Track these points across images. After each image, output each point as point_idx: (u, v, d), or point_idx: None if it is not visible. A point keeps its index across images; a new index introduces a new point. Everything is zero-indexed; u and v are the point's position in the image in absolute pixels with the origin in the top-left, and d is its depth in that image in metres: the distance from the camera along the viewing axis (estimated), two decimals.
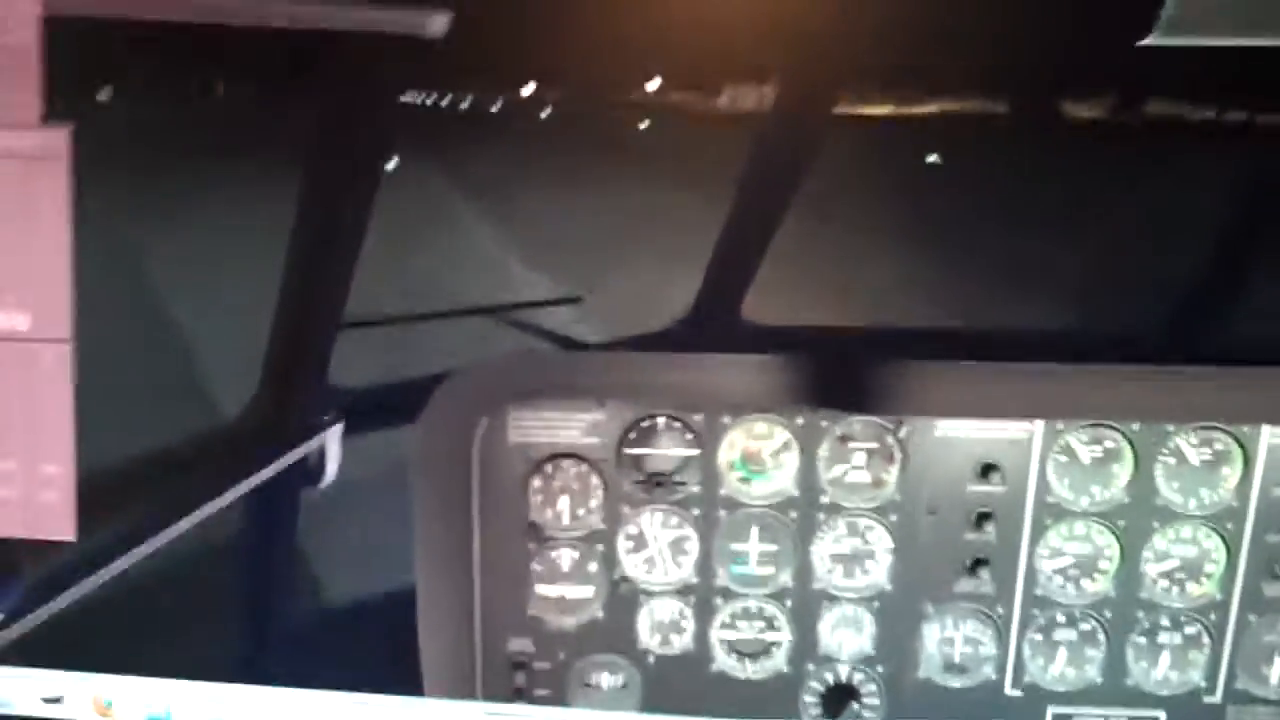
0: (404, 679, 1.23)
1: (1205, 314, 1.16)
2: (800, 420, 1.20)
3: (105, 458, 1.18)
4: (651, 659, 1.27)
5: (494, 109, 1.15)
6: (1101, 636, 1.22)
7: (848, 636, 1.24)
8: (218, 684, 1.24)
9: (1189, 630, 1.21)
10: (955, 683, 1.25)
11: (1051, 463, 1.18)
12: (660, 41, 1.11)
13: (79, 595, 1.22)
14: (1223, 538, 1.18)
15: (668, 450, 1.22)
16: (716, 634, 1.26)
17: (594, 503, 1.23)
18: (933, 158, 1.12)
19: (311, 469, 1.23)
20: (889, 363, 1.16)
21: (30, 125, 1.08)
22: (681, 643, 1.26)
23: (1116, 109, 1.10)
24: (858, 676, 1.25)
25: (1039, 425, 1.17)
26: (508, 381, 1.20)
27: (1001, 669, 1.24)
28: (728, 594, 1.25)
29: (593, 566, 1.25)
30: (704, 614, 1.25)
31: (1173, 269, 1.15)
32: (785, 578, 1.24)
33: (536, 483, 1.23)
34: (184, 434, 1.25)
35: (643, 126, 1.13)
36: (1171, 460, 1.17)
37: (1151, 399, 1.15)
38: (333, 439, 1.23)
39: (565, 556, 1.25)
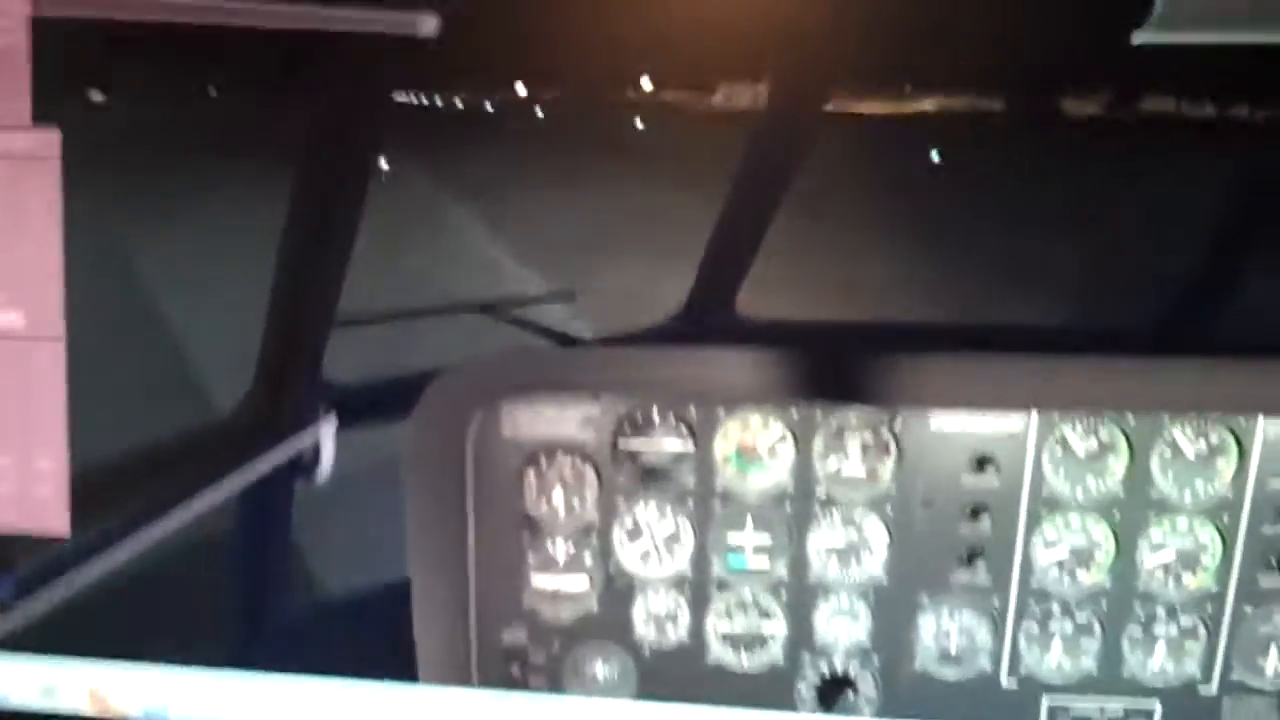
0: (400, 670, 1.24)
1: (1200, 305, 1.16)
2: (795, 413, 1.20)
3: (99, 453, 1.19)
4: (647, 650, 1.27)
5: (486, 108, 1.15)
6: (1097, 628, 1.22)
7: (843, 628, 1.25)
8: (214, 675, 1.24)
9: (1185, 622, 1.21)
10: (951, 674, 1.25)
11: (1047, 455, 1.18)
12: (653, 40, 1.11)
13: (74, 588, 1.22)
14: (1218, 529, 1.18)
15: (663, 443, 1.22)
16: (712, 625, 1.26)
17: (589, 495, 1.23)
18: (926, 154, 1.12)
19: (307, 463, 1.24)
20: (884, 355, 1.16)
21: (22, 125, 1.08)
22: (677, 634, 1.26)
23: (1110, 105, 1.10)
24: (853, 668, 1.25)
25: (1034, 417, 1.17)
26: (502, 376, 1.20)
27: (997, 660, 1.24)
28: (723, 585, 1.25)
29: (588, 558, 1.25)
30: (699, 605, 1.25)
31: (1168, 261, 1.15)
32: (781, 569, 1.24)
33: (531, 476, 1.23)
34: (178, 429, 1.25)
35: (636, 124, 1.13)
36: (1167, 452, 1.17)
37: (1146, 390, 1.15)
38: (327, 433, 1.23)
39: (560, 548, 1.25)
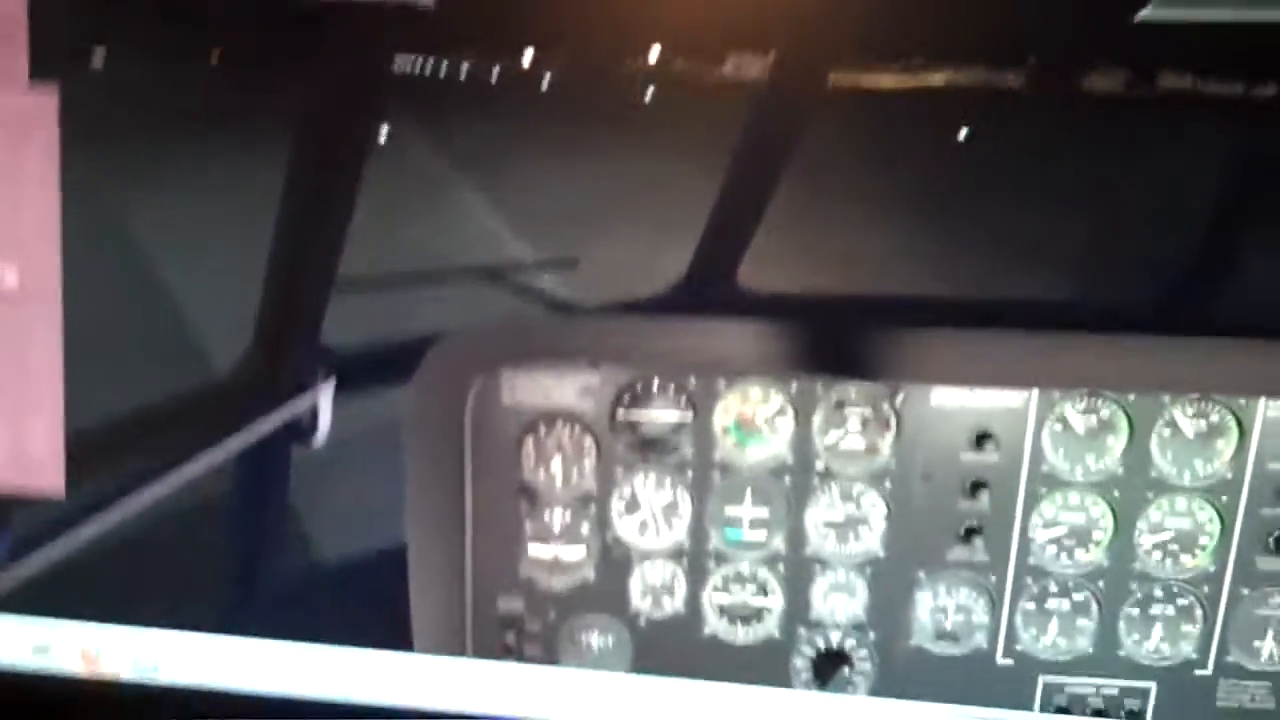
0: (394, 637, 1.23)
1: (1203, 286, 1.15)
2: (795, 385, 1.19)
3: (94, 413, 1.18)
4: (643, 621, 1.27)
5: (487, 76, 1.14)
6: (1094, 607, 1.22)
7: (840, 603, 1.24)
8: (206, 636, 1.24)
9: (1182, 602, 1.20)
10: (947, 651, 1.25)
11: (1047, 432, 1.18)
12: (659, 9, 1.10)
13: (68, 547, 1.22)
14: (1217, 510, 1.18)
15: (662, 413, 1.21)
16: (708, 597, 1.26)
17: (587, 464, 1.23)
18: (931, 129, 1.12)
19: (304, 427, 1.23)
20: (885, 329, 1.16)
21: (19, 84, 1.07)
22: (673, 605, 1.26)
23: (1115, 82, 1.09)
24: (849, 643, 1.25)
25: (1034, 394, 1.17)
26: (502, 343, 1.20)
27: (993, 638, 1.24)
28: (720, 558, 1.24)
29: (585, 528, 1.25)
30: (696, 577, 1.25)
31: (1171, 241, 1.14)
32: (778, 543, 1.23)
33: (529, 444, 1.23)
34: (175, 392, 1.25)
35: (641, 94, 1.13)
36: (1167, 431, 1.17)
37: (1148, 369, 1.15)
38: (325, 397, 1.23)
39: (557, 517, 1.25)
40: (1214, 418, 1.16)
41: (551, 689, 1.24)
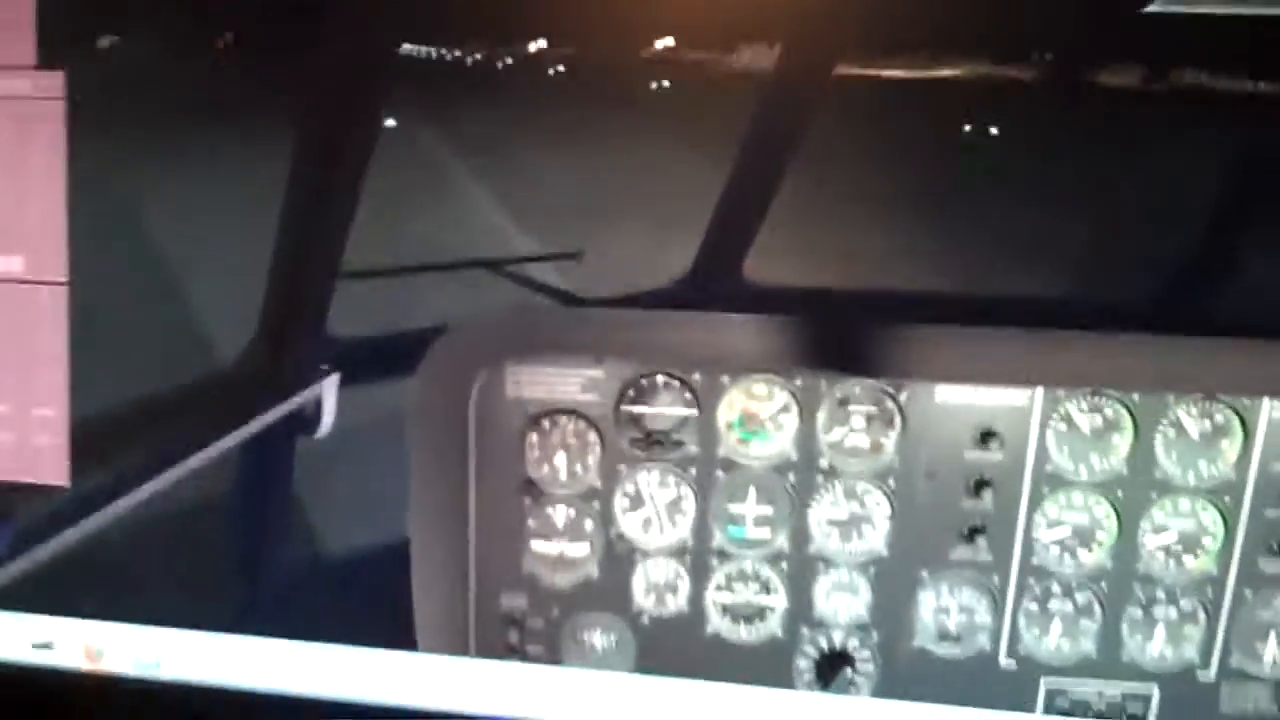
0: (397, 633, 1.23)
1: (1209, 285, 1.15)
2: (800, 382, 1.19)
3: (99, 403, 1.18)
4: (646, 619, 1.26)
5: (493, 63, 1.14)
6: (1097, 609, 1.21)
7: (843, 602, 1.24)
8: (208, 634, 1.23)
9: (1185, 605, 1.20)
10: (949, 652, 1.24)
11: (1051, 431, 1.17)
12: (666, 1, 1.11)
13: (71, 541, 1.21)
14: (1221, 512, 1.17)
15: (666, 409, 1.21)
16: (711, 596, 1.25)
17: (591, 460, 1.23)
18: (939, 124, 1.12)
19: (307, 419, 1.23)
20: (890, 326, 1.16)
21: (26, 68, 1.07)
22: (676, 604, 1.26)
23: (1121, 77, 1.09)
24: (852, 643, 1.25)
25: (1039, 392, 1.17)
26: (506, 336, 1.20)
27: (996, 640, 1.23)
28: (724, 556, 1.24)
29: (588, 524, 1.24)
30: (699, 576, 1.25)
31: (1177, 240, 1.14)
32: (782, 541, 1.23)
33: (533, 438, 1.23)
34: (179, 381, 1.24)
35: (647, 85, 1.13)
36: (1171, 431, 1.16)
37: (1152, 369, 1.15)
38: (329, 389, 1.23)
39: (561, 514, 1.24)
40: (1218, 418, 1.16)
41: (554, 689, 1.24)
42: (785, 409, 1.20)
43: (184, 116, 1.18)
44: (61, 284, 1.11)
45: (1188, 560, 1.19)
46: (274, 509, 1.29)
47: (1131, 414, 1.16)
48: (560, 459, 1.23)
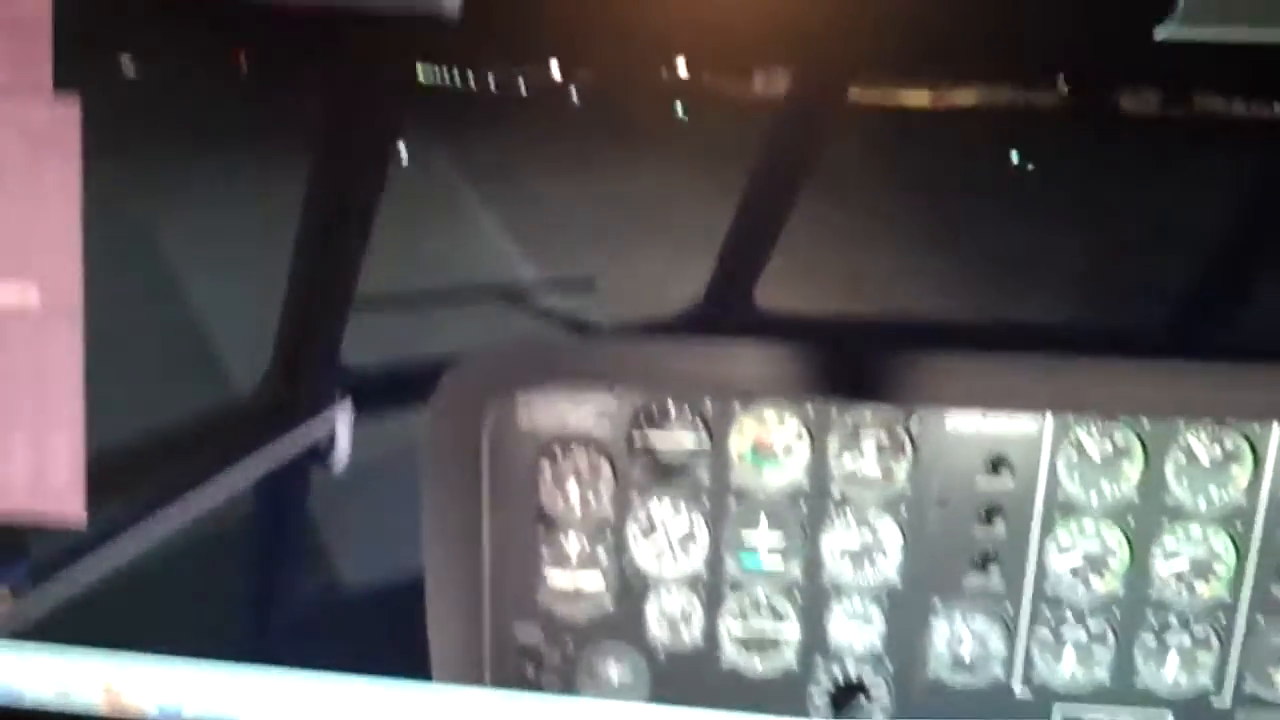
0: (413, 667, 1.22)
1: (1219, 311, 1.16)
2: (811, 409, 1.19)
3: (115, 436, 1.18)
4: (661, 652, 1.26)
5: (508, 91, 1.15)
6: (1110, 636, 1.21)
7: (856, 632, 1.23)
8: (227, 673, 1.22)
9: (1198, 631, 1.20)
10: (963, 681, 1.23)
11: (1062, 458, 1.17)
12: (679, 29, 1.11)
13: (88, 576, 1.20)
14: (1232, 538, 1.17)
15: (678, 438, 1.21)
16: (726, 627, 1.25)
17: (604, 489, 1.22)
18: (951, 152, 1.13)
19: (321, 451, 1.23)
20: (901, 353, 1.16)
21: (42, 95, 1.07)
22: (691, 635, 1.25)
23: (1134, 102, 1.10)
24: (866, 673, 1.24)
25: (1050, 419, 1.17)
26: (518, 366, 1.20)
27: (1009, 668, 1.23)
28: (737, 585, 1.24)
29: (601, 554, 1.24)
30: (713, 606, 1.24)
31: (1187, 266, 1.15)
32: (795, 570, 1.23)
33: (546, 469, 1.22)
34: (193, 413, 1.24)
35: (659, 113, 1.14)
36: (1182, 458, 1.16)
37: (1163, 395, 1.15)
38: (343, 420, 1.22)
39: (574, 544, 1.24)
40: (1229, 444, 1.16)
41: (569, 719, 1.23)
42: (797, 437, 1.20)
43: (200, 144, 1.19)
44: (77, 313, 1.10)
45: (1200, 586, 1.19)
46: (289, 544, 1.28)
47: (1142, 440, 1.16)
48: (573, 489, 1.22)
